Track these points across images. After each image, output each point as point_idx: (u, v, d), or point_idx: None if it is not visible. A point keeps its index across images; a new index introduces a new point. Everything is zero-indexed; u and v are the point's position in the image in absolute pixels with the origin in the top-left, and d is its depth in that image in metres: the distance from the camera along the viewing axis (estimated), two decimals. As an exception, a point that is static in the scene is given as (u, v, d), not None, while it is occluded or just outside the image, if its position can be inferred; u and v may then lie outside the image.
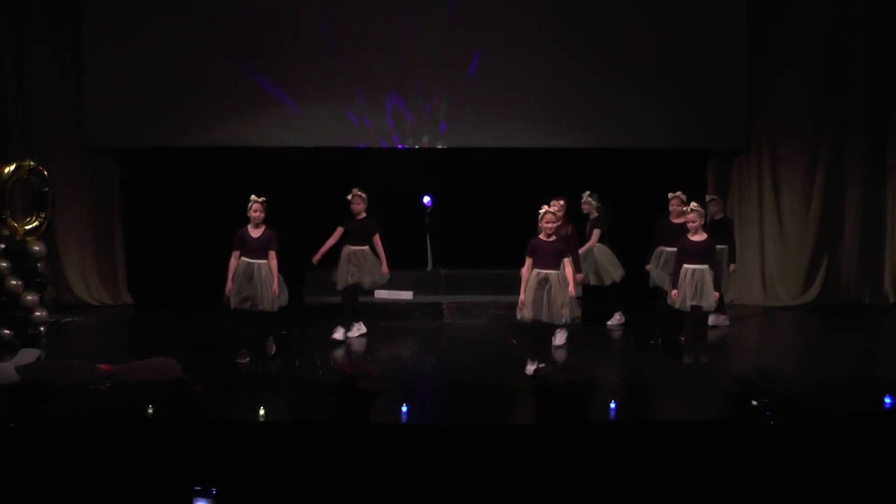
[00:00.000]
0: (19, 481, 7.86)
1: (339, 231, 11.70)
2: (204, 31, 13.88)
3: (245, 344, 10.67)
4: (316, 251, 11.68)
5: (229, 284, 10.62)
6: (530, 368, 10.12)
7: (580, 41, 14.21)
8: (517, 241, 10.51)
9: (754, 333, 13.21)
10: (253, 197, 10.71)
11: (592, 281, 12.44)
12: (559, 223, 10.79)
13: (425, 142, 14.24)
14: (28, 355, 10.12)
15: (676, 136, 14.42)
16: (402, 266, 13.64)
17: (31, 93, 13.84)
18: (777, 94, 14.54)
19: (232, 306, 10.64)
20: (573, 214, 12.18)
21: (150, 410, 8.28)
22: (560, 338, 11.41)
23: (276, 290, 10.66)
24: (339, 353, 11.33)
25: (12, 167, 11.27)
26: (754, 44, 14.40)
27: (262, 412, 8.37)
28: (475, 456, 8.08)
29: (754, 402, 8.41)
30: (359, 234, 11.69)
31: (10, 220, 11.28)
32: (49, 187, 11.55)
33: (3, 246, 11.19)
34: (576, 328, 11.53)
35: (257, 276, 10.59)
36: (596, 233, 12.56)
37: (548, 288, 10.09)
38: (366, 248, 11.69)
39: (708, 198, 12.62)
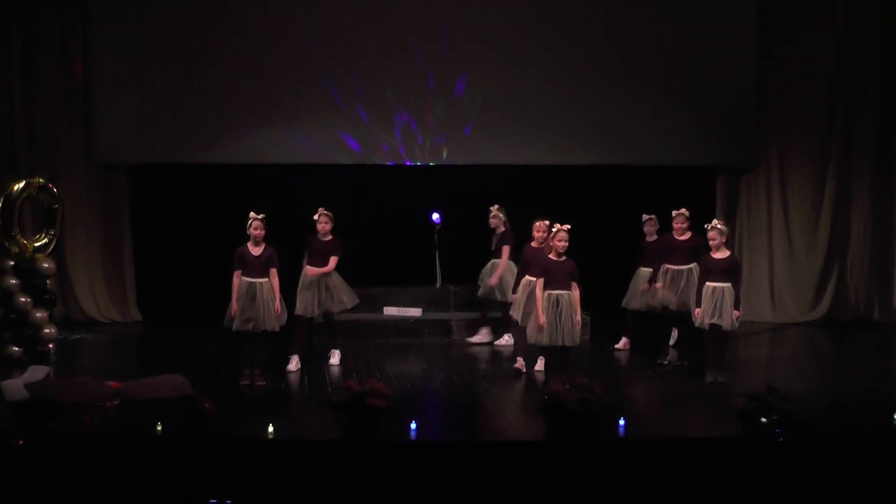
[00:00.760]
0: (28, 498, 7.86)
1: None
2: (213, 48, 13.91)
3: (248, 366, 10.46)
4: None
5: (235, 306, 10.37)
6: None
7: (589, 58, 14.23)
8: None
9: (764, 350, 13.16)
10: (252, 214, 10.48)
11: (500, 297, 12.38)
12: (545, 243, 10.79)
13: (436, 158, 14.25)
14: (37, 372, 10.12)
15: (685, 152, 14.43)
16: (411, 283, 13.67)
17: (40, 109, 13.87)
18: (785, 109, 14.55)
19: (234, 328, 10.44)
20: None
21: (159, 427, 8.28)
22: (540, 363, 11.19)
23: (279, 309, 10.51)
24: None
25: (22, 184, 11.29)
26: (762, 59, 14.41)
27: (270, 429, 8.36)
28: (484, 473, 8.07)
29: (764, 420, 8.39)
30: (322, 255, 11.32)
31: (19, 237, 11.30)
32: (58, 204, 11.57)
33: (12, 263, 11.21)
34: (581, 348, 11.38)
35: (259, 295, 10.38)
36: (506, 249, 12.43)
37: (559, 310, 10.09)
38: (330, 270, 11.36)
39: (645, 217, 12.43)
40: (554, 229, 10.25)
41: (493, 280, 12.43)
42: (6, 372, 10.56)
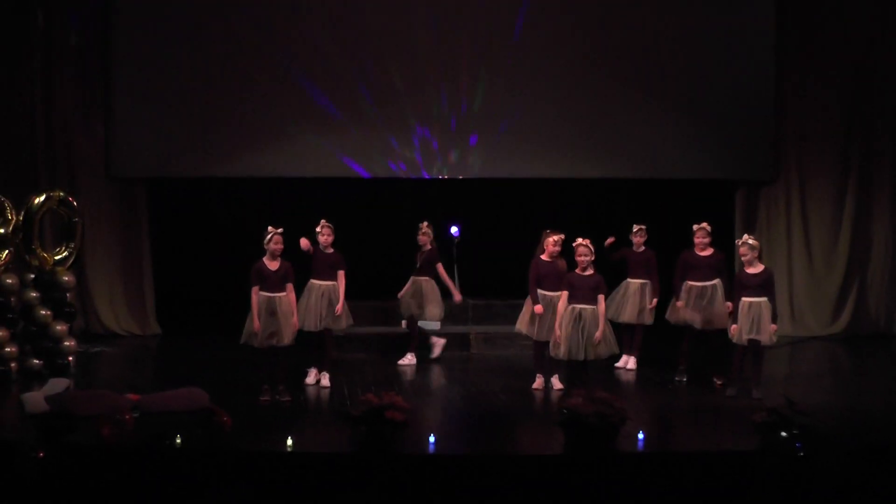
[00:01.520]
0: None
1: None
2: (231, 63, 13.97)
3: (269, 382, 10.40)
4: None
5: (257, 322, 10.27)
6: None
7: (607, 72, 14.22)
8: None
9: (783, 364, 13.11)
10: (271, 228, 10.38)
11: (415, 312, 12.37)
12: (559, 258, 10.79)
13: (454, 172, 14.27)
14: (57, 385, 10.14)
15: (703, 166, 14.39)
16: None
17: (60, 124, 13.92)
18: (804, 122, 14.50)
19: (256, 345, 10.37)
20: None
21: (178, 440, 8.29)
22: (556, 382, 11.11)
23: (297, 324, 10.50)
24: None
25: (42, 198, 11.38)
26: (781, 72, 14.38)
27: (289, 442, 8.37)
28: (502, 487, 8.06)
29: (783, 434, 8.37)
30: (326, 268, 11.19)
31: (39, 250, 11.38)
32: (78, 218, 11.65)
33: (32, 276, 11.29)
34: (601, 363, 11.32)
35: (279, 310, 10.35)
36: (440, 266, 12.41)
37: (582, 325, 10.08)
38: (333, 283, 11.18)
39: (635, 227, 12.27)
40: (574, 244, 10.23)
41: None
42: (26, 384, 10.62)
